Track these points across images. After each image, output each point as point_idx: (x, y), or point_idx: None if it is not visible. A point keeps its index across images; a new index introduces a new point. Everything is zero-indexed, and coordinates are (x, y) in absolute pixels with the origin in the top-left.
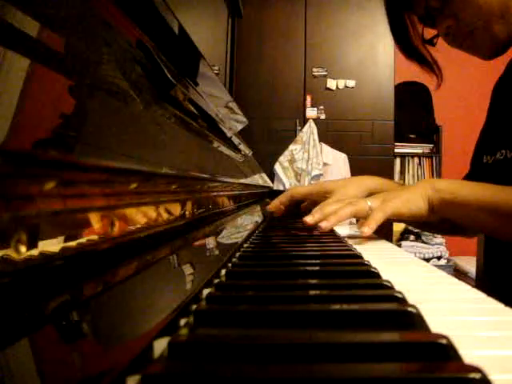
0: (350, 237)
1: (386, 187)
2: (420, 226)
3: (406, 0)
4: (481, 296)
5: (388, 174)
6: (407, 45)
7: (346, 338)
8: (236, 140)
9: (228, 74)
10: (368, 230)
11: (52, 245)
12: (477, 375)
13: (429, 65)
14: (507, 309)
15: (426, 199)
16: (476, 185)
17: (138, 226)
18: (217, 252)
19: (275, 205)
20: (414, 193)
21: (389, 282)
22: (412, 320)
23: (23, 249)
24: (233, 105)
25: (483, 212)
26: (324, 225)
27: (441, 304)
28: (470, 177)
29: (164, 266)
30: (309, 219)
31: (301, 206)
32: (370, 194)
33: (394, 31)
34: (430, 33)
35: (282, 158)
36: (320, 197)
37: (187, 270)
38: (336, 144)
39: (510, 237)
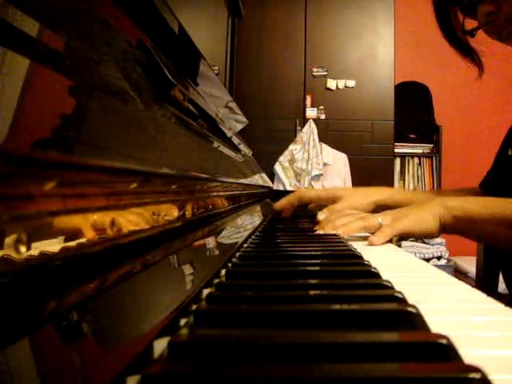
0: (350, 237)
1: (394, 200)
2: None
3: None
4: (481, 296)
5: (388, 174)
6: (453, 37)
7: (346, 337)
8: (236, 140)
9: (228, 74)
10: (377, 241)
11: (52, 245)
12: (477, 375)
13: (471, 56)
14: (507, 309)
15: (437, 218)
16: (487, 200)
17: (138, 226)
18: (217, 252)
19: (283, 205)
20: (425, 212)
21: (389, 282)
22: (412, 320)
23: (23, 249)
24: (233, 105)
25: (497, 226)
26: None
27: (441, 304)
28: (493, 172)
29: (164, 266)
30: (321, 232)
31: (309, 206)
32: (378, 206)
33: (442, 25)
34: (471, 25)
35: (282, 158)
36: (328, 202)
37: (187, 270)
38: (336, 144)
39: None
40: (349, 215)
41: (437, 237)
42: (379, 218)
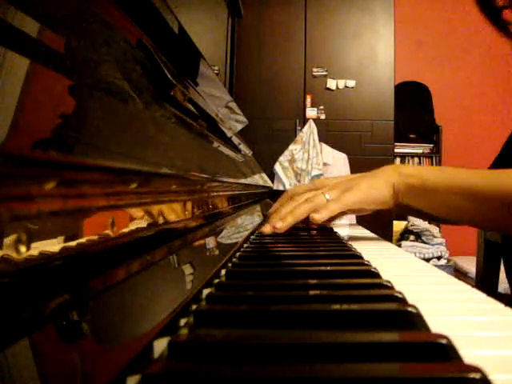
0: (350, 237)
1: None
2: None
3: None
4: (481, 296)
5: None
6: (491, 11)
7: (345, 337)
8: (236, 140)
9: (228, 74)
10: (318, 216)
11: (52, 245)
12: (477, 375)
13: (506, 30)
14: (507, 309)
15: (390, 186)
16: (446, 168)
17: (138, 226)
18: (217, 252)
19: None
20: (377, 180)
21: (389, 282)
22: (412, 320)
23: (23, 249)
24: (233, 105)
25: (456, 197)
26: (279, 225)
27: (441, 304)
28: (501, 156)
29: (164, 266)
30: (266, 230)
31: None
32: None
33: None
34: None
35: (282, 158)
36: None
37: (187, 269)
38: (336, 144)
39: (487, 224)
40: (293, 200)
41: (390, 207)
42: (326, 195)
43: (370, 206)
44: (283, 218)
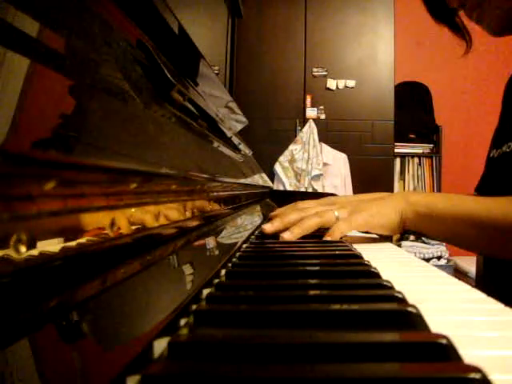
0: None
1: None
2: None
3: None
4: (481, 296)
5: (388, 174)
6: (439, 11)
7: (345, 337)
8: (236, 140)
9: (228, 74)
10: (331, 237)
11: (52, 245)
12: (477, 375)
13: (459, 31)
14: (507, 309)
15: (398, 212)
16: (453, 197)
17: (138, 226)
18: (217, 252)
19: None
20: (386, 206)
21: (389, 282)
22: (412, 320)
23: (23, 249)
24: (233, 105)
25: (462, 225)
26: (287, 236)
27: (441, 304)
28: (485, 177)
29: (164, 266)
30: (267, 227)
31: None
32: None
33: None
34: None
35: (282, 158)
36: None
37: (187, 269)
38: (336, 144)
39: (490, 251)
40: (301, 210)
41: (397, 233)
42: (335, 212)
43: (376, 230)
44: (292, 229)
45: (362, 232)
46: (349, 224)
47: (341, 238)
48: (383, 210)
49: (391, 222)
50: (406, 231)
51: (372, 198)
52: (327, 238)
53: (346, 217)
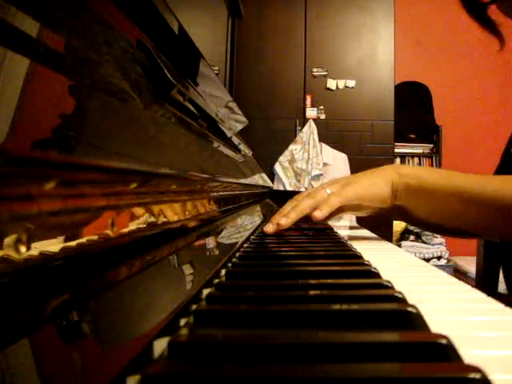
0: (350, 237)
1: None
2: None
3: None
4: (481, 296)
5: None
6: (471, 5)
7: (345, 337)
8: (236, 140)
9: (228, 74)
10: (319, 214)
11: (52, 245)
12: (477, 375)
13: (492, 27)
14: (507, 309)
15: (389, 184)
16: (446, 171)
17: (138, 226)
18: (217, 252)
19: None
20: (377, 177)
21: (389, 282)
22: (412, 320)
23: (23, 249)
24: (233, 105)
25: (452, 199)
26: (283, 221)
27: (441, 304)
28: (499, 171)
29: (164, 266)
30: (269, 228)
31: None
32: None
33: None
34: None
35: (282, 158)
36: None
37: (187, 269)
38: (336, 144)
39: (481, 230)
40: (294, 199)
41: (388, 206)
42: (327, 189)
43: (368, 202)
44: (286, 215)
45: (361, 229)
46: (339, 197)
47: (335, 214)
48: (374, 181)
49: (382, 192)
50: (398, 209)
51: (363, 172)
52: (316, 215)
53: (337, 191)
